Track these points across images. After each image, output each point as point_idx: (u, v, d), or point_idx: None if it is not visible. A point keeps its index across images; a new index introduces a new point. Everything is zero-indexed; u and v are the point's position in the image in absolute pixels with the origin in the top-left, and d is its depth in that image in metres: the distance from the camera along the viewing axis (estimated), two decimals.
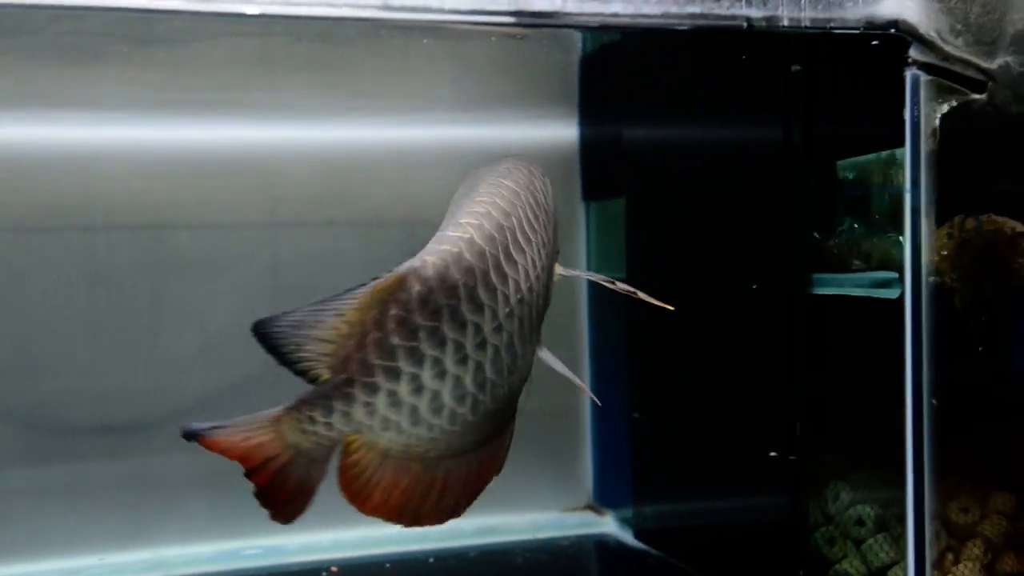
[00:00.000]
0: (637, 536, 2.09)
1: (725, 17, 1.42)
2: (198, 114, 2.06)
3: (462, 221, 1.06)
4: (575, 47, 2.21)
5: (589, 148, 2.18)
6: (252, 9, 1.24)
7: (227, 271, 2.09)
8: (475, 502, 2.20)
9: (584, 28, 1.71)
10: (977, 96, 1.47)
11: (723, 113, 1.79)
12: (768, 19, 1.42)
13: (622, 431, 2.13)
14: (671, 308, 1.25)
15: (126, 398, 2.05)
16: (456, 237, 1.05)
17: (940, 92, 1.47)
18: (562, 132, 2.22)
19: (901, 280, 1.43)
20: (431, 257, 1.03)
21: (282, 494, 1.09)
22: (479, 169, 1.24)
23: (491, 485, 2.24)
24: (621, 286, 1.27)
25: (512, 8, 1.34)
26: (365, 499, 1.11)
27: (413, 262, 1.03)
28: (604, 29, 1.63)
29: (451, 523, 2.12)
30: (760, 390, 1.68)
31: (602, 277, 1.30)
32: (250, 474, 1.09)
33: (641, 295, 1.26)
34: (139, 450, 2.06)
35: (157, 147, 2.02)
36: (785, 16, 1.43)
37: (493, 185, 1.14)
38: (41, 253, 2.00)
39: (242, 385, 2.09)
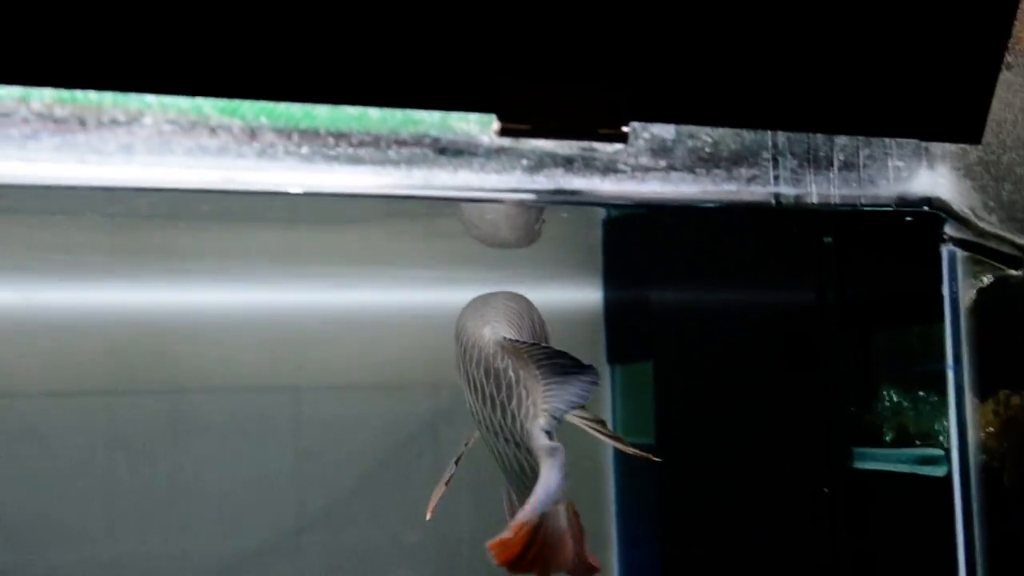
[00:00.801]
0: None
1: (757, 195, 1.43)
2: (219, 277, 2.07)
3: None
4: (598, 211, 2.23)
5: (614, 311, 2.17)
6: (295, 188, 1.25)
7: (247, 435, 2.07)
8: None
9: (619, 206, 1.73)
10: (1014, 272, 1.47)
11: (755, 280, 1.78)
12: (797, 197, 1.42)
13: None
14: (656, 459, 1.29)
15: (142, 566, 2.00)
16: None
17: (977, 267, 1.48)
18: (586, 295, 2.22)
19: (948, 458, 1.40)
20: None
21: None
22: (478, 298, 1.33)
23: None
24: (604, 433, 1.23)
25: (551, 187, 1.35)
26: None
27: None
28: (640, 207, 1.64)
29: None
30: (801, 568, 1.64)
31: (589, 419, 1.23)
32: None
33: (624, 447, 1.26)
34: None
35: (178, 309, 2.02)
36: (814, 193, 1.44)
37: (501, 307, 1.25)
38: (63, 418, 1.98)
39: (262, 553, 2.04)
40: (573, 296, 2.22)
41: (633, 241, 2.14)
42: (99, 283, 2.01)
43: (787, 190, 1.41)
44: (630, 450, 1.26)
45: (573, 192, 1.37)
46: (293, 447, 2.09)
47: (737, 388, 1.82)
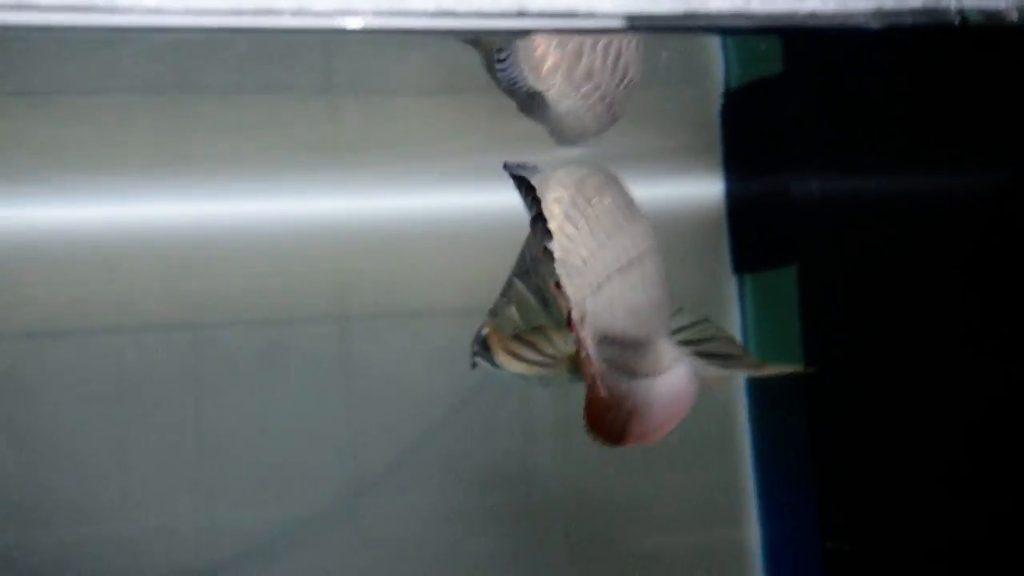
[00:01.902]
0: None
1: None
2: (243, 186, 1.68)
3: None
4: (714, 86, 1.79)
5: (740, 207, 1.78)
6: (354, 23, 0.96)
7: (287, 376, 1.69)
8: None
9: (763, 32, 1.30)
10: None
11: (940, 149, 1.37)
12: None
13: (809, 570, 1.68)
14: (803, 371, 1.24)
15: (165, 544, 1.64)
16: None
17: None
18: (702, 188, 1.78)
19: None
20: None
21: None
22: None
23: None
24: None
25: (684, 9, 0.95)
26: None
27: None
28: (794, 32, 1.20)
29: None
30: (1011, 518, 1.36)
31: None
32: None
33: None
34: None
35: (194, 228, 1.64)
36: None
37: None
38: (56, 363, 1.62)
39: (311, 523, 1.68)
40: (685, 191, 1.79)
41: (763, 118, 1.73)
42: (97, 193, 1.64)
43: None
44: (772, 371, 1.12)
45: (713, 16, 0.98)
46: (343, 390, 1.70)
47: (912, 299, 1.53)
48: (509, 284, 1.11)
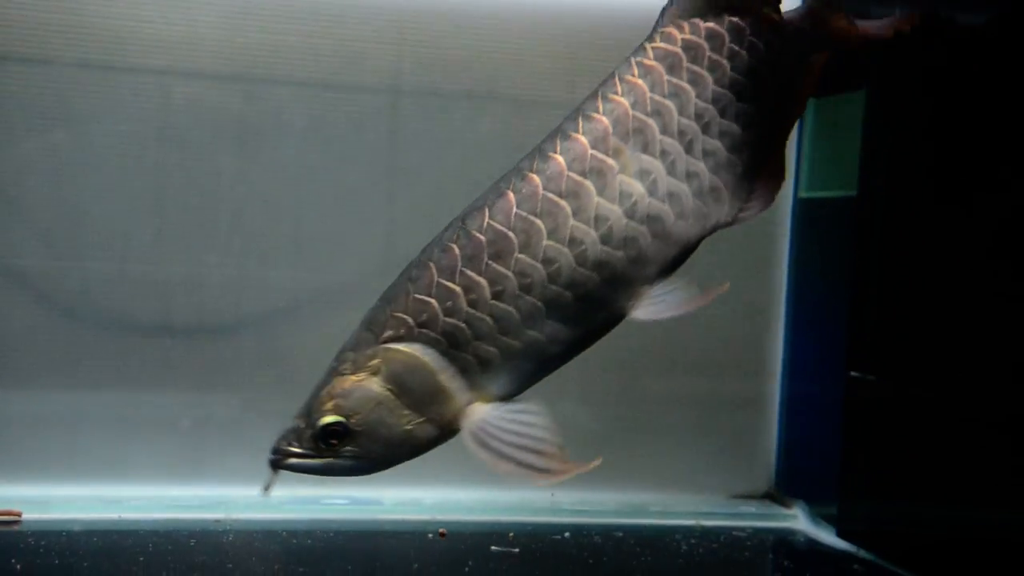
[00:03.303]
0: (842, 534, 1.58)
1: None
2: None
3: None
4: None
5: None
6: None
7: (335, 143, 1.65)
8: (616, 476, 1.72)
9: None
10: None
11: None
12: None
13: (828, 397, 1.64)
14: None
15: (193, 292, 1.62)
16: None
17: None
18: None
19: None
20: None
21: None
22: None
23: (639, 459, 1.77)
24: None
25: None
26: None
27: None
28: None
29: (589, 495, 1.70)
30: None
31: None
32: None
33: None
34: (204, 361, 1.63)
35: None
36: None
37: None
38: (105, 97, 1.58)
39: (337, 294, 1.65)
40: None
41: None
42: None
43: None
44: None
45: None
46: (386, 161, 1.67)
47: (978, 136, 1.44)
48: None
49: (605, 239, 1.11)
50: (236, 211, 1.63)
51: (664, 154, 1.13)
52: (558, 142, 1.14)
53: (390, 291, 1.14)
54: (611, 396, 1.74)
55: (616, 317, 1.15)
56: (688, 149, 1.14)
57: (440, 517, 1.57)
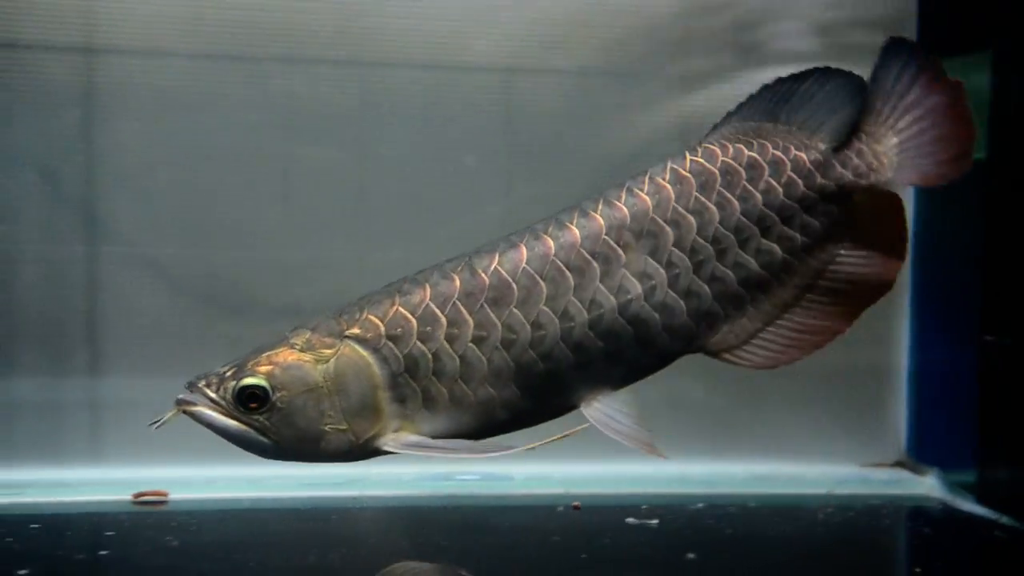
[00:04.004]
0: (982, 500, 1.55)
1: None
2: None
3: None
4: None
5: None
6: None
7: (450, 122, 1.66)
8: (745, 447, 1.71)
9: None
10: None
11: None
12: None
13: (959, 363, 1.60)
14: None
15: (321, 273, 1.65)
16: None
17: None
18: None
19: None
20: None
21: None
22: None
23: (767, 429, 1.75)
24: None
25: None
26: None
27: None
28: None
29: (719, 466, 1.69)
30: None
31: None
32: None
33: None
34: None
35: None
36: None
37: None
38: (228, 86, 1.61)
39: None
40: None
41: None
42: None
43: None
44: None
45: None
46: (503, 139, 1.68)
47: None
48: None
49: (592, 324, 1.10)
50: (357, 195, 1.65)
51: (671, 265, 1.12)
52: (576, 216, 1.13)
53: (374, 295, 1.13)
54: (737, 368, 1.73)
55: (567, 407, 1.13)
56: (697, 268, 1.13)
57: (570, 491, 1.58)
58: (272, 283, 1.64)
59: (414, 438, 1.09)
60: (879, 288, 1.16)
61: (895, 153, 1.17)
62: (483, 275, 1.10)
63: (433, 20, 1.65)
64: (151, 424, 1.07)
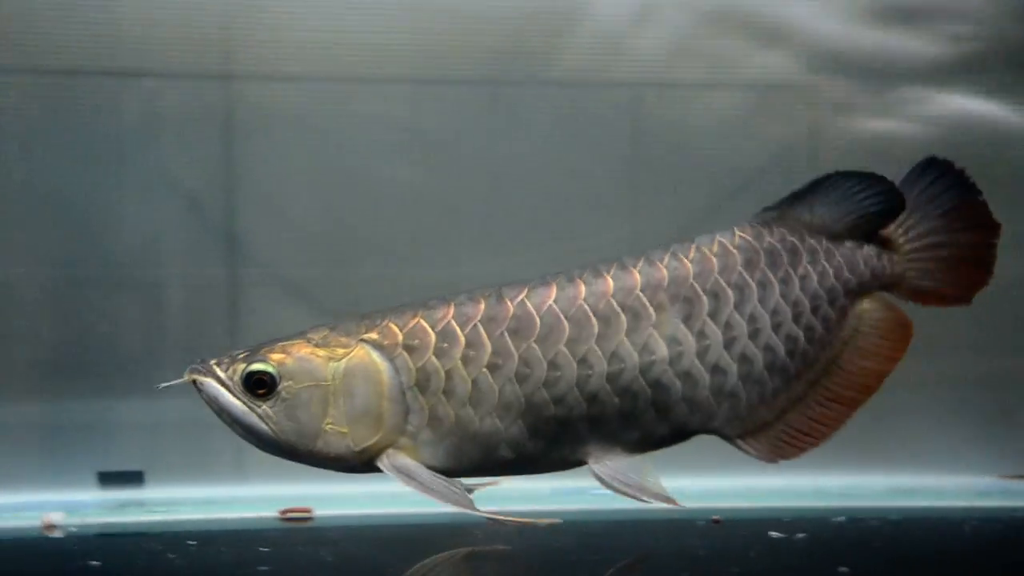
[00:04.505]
0: None
1: None
2: None
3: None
4: None
5: None
6: None
7: (577, 136, 1.67)
8: (882, 458, 1.69)
9: None
10: None
11: None
12: None
13: None
14: None
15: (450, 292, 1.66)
16: None
17: None
18: None
19: None
20: None
21: None
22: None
23: (903, 441, 1.73)
24: None
25: None
26: None
27: None
28: None
29: (856, 479, 1.67)
30: None
31: None
32: None
33: None
34: None
35: None
36: None
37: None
38: (357, 108, 1.64)
39: None
40: None
41: None
42: None
43: None
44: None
45: None
46: (630, 152, 1.68)
47: None
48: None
49: (611, 378, 1.09)
50: (487, 211, 1.67)
51: (702, 335, 1.12)
52: (614, 267, 1.14)
53: (401, 306, 1.13)
54: None
55: (574, 460, 1.12)
56: (728, 344, 1.12)
57: (706, 505, 1.57)
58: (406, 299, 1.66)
59: (409, 463, 1.09)
60: (878, 379, 1.19)
61: (907, 266, 1.19)
62: (509, 304, 1.11)
63: (562, 36, 1.66)
64: (159, 386, 1.11)
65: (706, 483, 1.64)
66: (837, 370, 1.18)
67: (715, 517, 1.51)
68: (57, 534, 1.40)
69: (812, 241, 1.17)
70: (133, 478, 1.57)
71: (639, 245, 1.59)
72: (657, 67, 1.67)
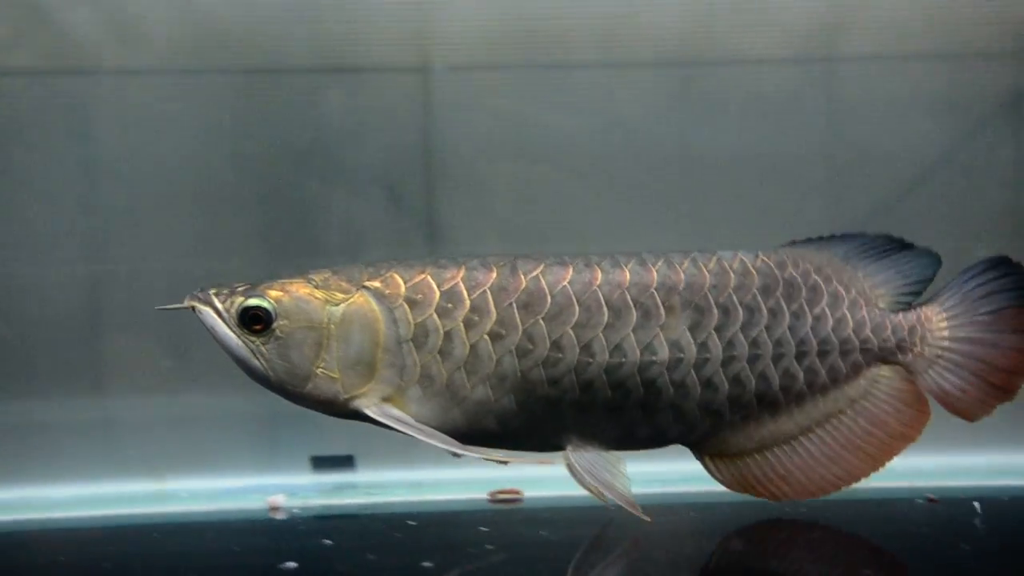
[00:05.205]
0: None
1: None
2: None
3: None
4: None
5: None
6: None
7: (771, 116, 1.65)
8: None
9: None
10: None
11: None
12: None
13: None
14: None
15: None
16: None
17: None
18: None
19: None
20: None
21: None
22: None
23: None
24: None
25: None
26: None
27: None
28: None
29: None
30: None
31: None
32: None
33: None
34: None
35: None
36: None
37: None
38: (548, 91, 1.65)
39: None
40: None
41: None
42: None
43: None
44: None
45: None
46: (821, 135, 1.65)
47: None
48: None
49: (609, 371, 1.08)
50: (680, 191, 1.66)
51: (704, 348, 1.11)
52: (632, 260, 1.14)
53: (412, 261, 1.12)
54: None
55: (554, 444, 1.11)
56: (726, 363, 1.11)
57: (914, 484, 1.53)
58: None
59: (400, 413, 1.08)
60: (884, 453, 1.16)
61: (939, 352, 1.17)
62: (522, 277, 1.10)
63: (750, 13, 1.64)
64: (160, 308, 1.12)
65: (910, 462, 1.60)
66: (839, 426, 1.16)
67: (930, 496, 1.47)
68: (281, 516, 1.45)
69: (839, 287, 1.16)
70: (344, 462, 1.61)
71: (842, 218, 1.62)
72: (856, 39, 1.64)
